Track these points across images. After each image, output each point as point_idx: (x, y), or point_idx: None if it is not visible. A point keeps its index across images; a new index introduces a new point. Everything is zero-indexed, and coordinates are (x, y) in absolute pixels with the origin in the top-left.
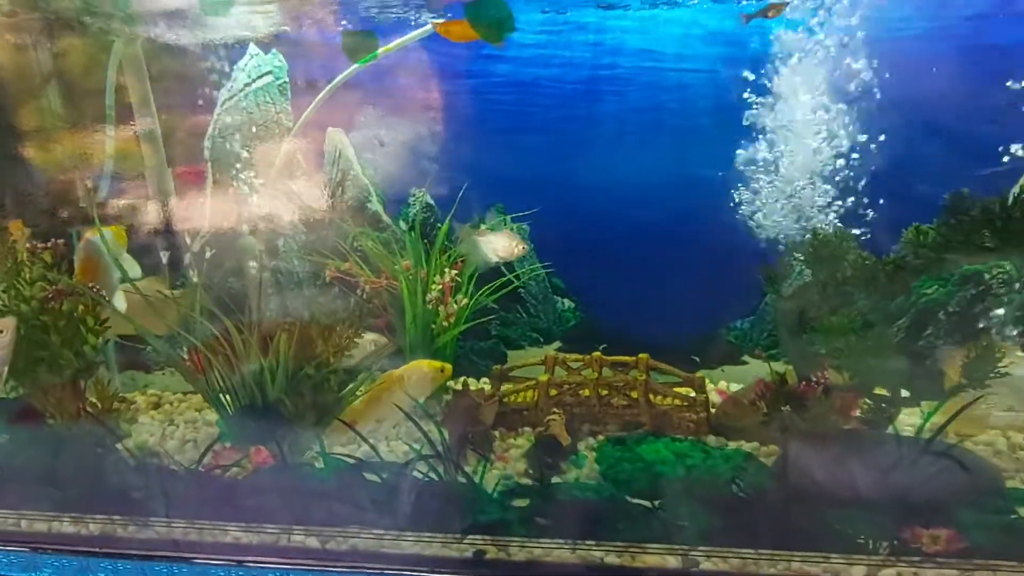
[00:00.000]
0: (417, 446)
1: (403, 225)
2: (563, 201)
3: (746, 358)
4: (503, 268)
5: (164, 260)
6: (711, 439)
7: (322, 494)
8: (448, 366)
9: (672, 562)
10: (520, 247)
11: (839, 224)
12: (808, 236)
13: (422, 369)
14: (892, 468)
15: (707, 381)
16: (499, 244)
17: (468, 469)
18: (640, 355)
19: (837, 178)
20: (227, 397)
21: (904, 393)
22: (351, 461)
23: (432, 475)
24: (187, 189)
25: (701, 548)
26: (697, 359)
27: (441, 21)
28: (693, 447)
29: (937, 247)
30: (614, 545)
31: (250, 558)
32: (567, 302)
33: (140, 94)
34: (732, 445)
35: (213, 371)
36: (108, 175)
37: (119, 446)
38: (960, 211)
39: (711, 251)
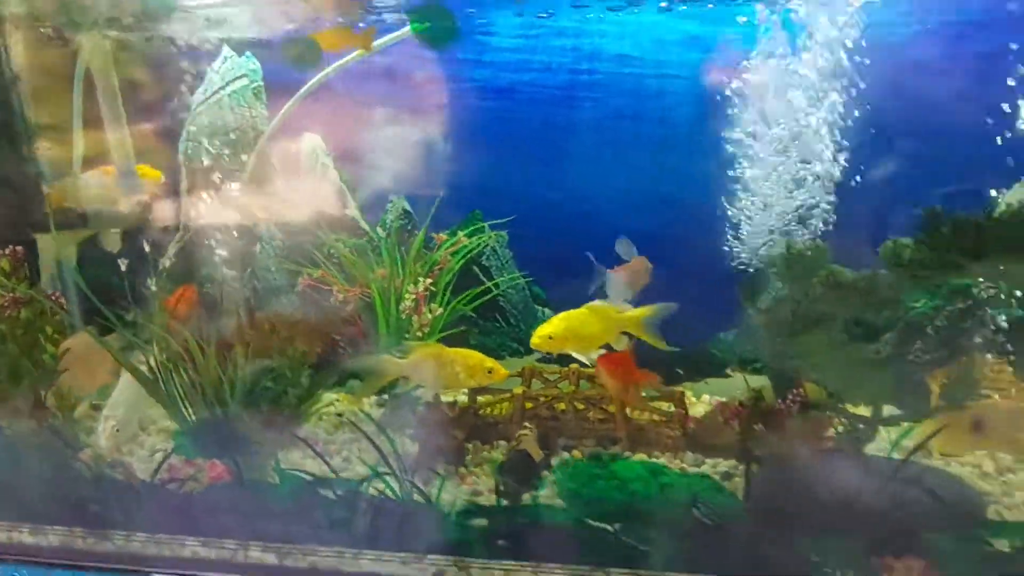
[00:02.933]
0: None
1: (380, 232)
2: (542, 209)
3: (729, 371)
4: (481, 277)
5: (123, 268)
6: (688, 456)
7: (278, 510)
8: (501, 371)
9: None
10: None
11: (816, 237)
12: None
13: (471, 361)
14: (864, 492)
15: (688, 395)
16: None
17: (430, 485)
18: None
19: (815, 190)
20: (187, 408)
21: (884, 412)
22: (308, 478)
23: (388, 493)
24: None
25: (667, 574)
26: (681, 372)
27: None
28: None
29: (912, 264)
30: (577, 569)
31: (208, 573)
32: (547, 312)
33: (109, 96)
34: (709, 463)
35: (173, 382)
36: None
37: (80, 458)
38: (933, 228)
39: (695, 261)
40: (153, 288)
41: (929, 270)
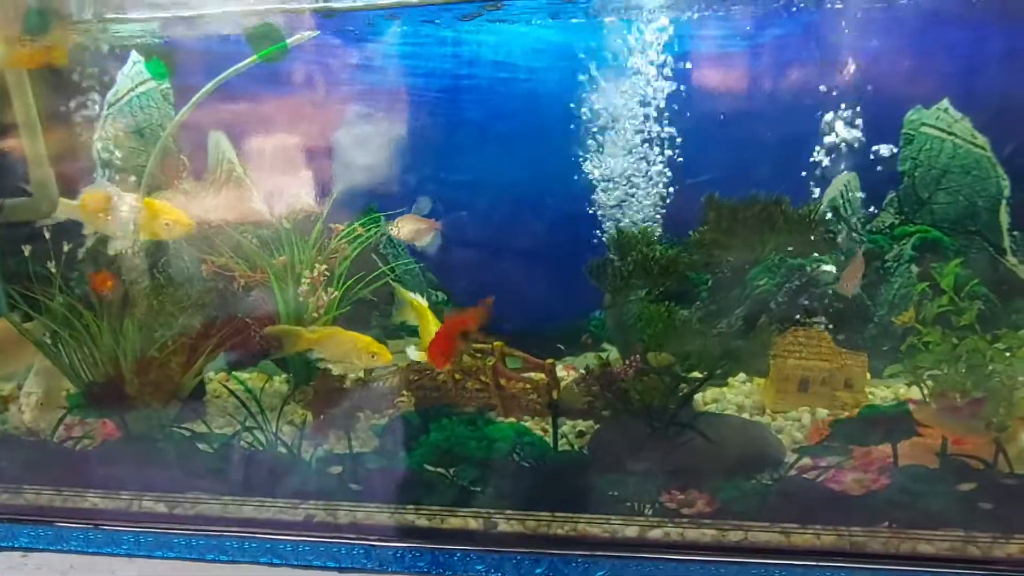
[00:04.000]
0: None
1: (286, 224)
2: (432, 200)
3: (605, 346)
4: (379, 262)
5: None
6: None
7: (165, 464)
8: (385, 356)
9: (474, 524)
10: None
11: (647, 223)
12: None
13: (360, 344)
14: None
15: (569, 369)
16: (406, 228)
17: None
18: (495, 343)
19: (653, 181)
20: (84, 373)
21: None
22: (187, 433)
23: (257, 445)
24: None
25: (501, 512)
26: (562, 347)
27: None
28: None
29: (698, 244)
30: (427, 509)
31: (107, 522)
32: (440, 295)
33: (20, 96)
34: (569, 423)
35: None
36: None
37: None
38: (707, 211)
39: (570, 245)
40: (52, 269)
41: (706, 247)
